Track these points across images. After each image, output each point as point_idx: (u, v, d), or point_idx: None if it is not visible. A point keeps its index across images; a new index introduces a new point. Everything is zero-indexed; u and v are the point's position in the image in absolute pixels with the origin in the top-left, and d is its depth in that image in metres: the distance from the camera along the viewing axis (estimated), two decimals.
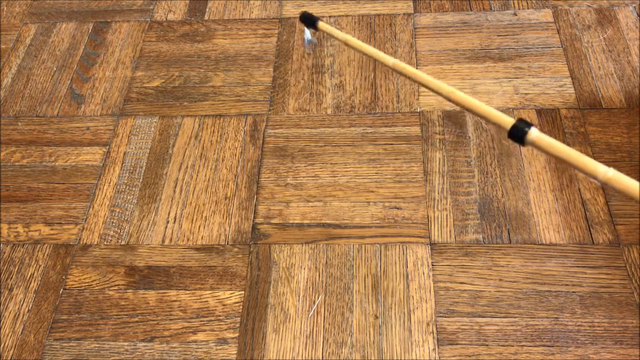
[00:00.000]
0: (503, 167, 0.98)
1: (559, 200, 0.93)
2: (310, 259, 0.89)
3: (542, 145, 0.36)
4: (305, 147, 1.03)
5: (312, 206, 0.95)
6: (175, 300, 0.87)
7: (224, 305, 0.86)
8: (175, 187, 1.00)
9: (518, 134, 0.38)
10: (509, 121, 0.39)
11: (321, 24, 0.53)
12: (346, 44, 0.52)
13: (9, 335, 0.86)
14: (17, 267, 0.92)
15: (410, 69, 0.43)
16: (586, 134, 1.01)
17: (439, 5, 1.23)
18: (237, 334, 0.83)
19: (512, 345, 0.80)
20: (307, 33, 0.58)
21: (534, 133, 0.37)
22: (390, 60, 0.45)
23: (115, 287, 0.89)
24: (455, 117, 1.05)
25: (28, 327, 0.86)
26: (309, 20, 0.54)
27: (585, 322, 0.82)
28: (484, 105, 0.42)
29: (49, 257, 0.93)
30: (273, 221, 0.94)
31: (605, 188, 0.94)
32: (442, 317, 0.83)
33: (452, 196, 0.95)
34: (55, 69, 1.20)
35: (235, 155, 1.03)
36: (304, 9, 1.25)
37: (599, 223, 0.90)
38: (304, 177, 0.99)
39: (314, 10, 1.25)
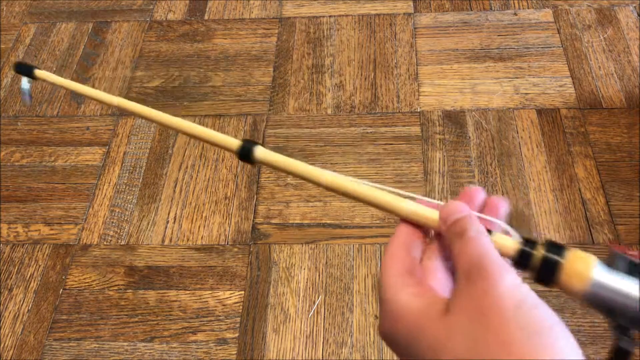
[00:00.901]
0: (503, 167, 0.98)
1: (559, 200, 0.93)
2: (310, 259, 0.89)
3: (269, 161, 0.36)
4: (305, 147, 1.03)
5: (312, 206, 0.95)
6: (175, 301, 0.87)
7: (223, 305, 0.86)
8: (175, 187, 0.99)
9: (245, 153, 0.37)
10: (235, 143, 0.38)
11: (39, 72, 0.46)
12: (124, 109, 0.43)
13: (9, 335, 0.86)
14: (16, 267, 0.92)
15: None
16: (586, 134, 1.01)
17: (439, 5, 1.23)
18: (237, 334, 0.83)
19: None
20: (24, 82, 0.50)
21: (259, 151, 0.37)
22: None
23: (115, 287, 0.89)
24: (456, 117, 1.05)
25: (28, 327, 0.86)
26: (25, 69, 0.46)
27: (585, 322, 0.82)
28: (208, 131, 0.39)
29: (49, 257, 0.93)
30: (273, 221, 0.94)
31: (606, 188, 0.94)
32: None
33: (452, 196, 0.95)
34: (55, 68, 1.19)
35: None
36: (303, 9, 1.25)
37: (599, 223, 0.90)
38: None
39: (314, 10, 1.25)
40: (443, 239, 0.28)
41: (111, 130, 1.08)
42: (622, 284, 0.25)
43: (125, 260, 0.91)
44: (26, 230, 0.96)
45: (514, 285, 0.23)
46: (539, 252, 0.26)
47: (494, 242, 0.27)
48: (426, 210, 0.30)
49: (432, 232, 0.29)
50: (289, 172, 0.35)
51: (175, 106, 1.11)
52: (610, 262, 0.26)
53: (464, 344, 0.22)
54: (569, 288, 0.26)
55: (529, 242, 0.27)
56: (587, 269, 0.25)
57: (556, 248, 0.26)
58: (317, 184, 0.33)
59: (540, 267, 0.26)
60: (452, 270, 0.27)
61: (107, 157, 1.04)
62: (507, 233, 0.28)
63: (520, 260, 0.27)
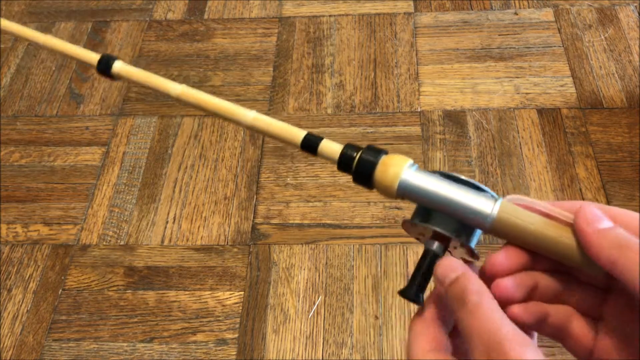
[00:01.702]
0: (504, 167, 0.98)
1: (560, 200, 0.93)
2: (310, 260, 0.89)
3: (127, 76, 0.35)
4: None
5: (312, 206, 0.95)
6: (175, 301, 0.87)
7: (223, 305, 0.86)
8: (175, 187, 0.99)
9: (103, 68, 0.36)
10: (95, 57, 0.37)
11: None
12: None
13: (8, 335, 0.85)
14: (16, 268, 0.92)
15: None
16: (587, 134, 1.00)
17: (440, 4, 1.23)
18: (236, 335, 0.83)
19: None
20: None
21: (117, 65, 0.36)
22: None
23: (115, 288, 0.89)
24: (456, 117, 1.04)
25: (27, 327, 0.86)
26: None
27: None
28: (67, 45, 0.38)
29: (48, 257, 0.93)
30: (273, 221, 0.94)
31: (607, 188, 0.94)
32: None
33: None
34: (54, 68, 1.19)
35: (235, 155, 1.03)
36: (303, 9, 1.25)
37: None
38: (304, 177, 0.99)
39: (314, 9, 1.24)
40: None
41: (110, 130, 1.08)
42: (430, 182, 0.27)
43: (125, 261, 0.91)
44: (25, 230, 0.96)
45: None
46: (357, 155, 0.29)
47: (323, 148, 0.30)
48: (292, 131, 0.30)
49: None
50: (145, 86, 0.35)
51: (175, 106, 1.11)
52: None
53: None
54: (380, 188, 0.28)
55: (352, 147, 0.30)
56: (397, 168, 0.28)
57: (374, 152, 0.29)
58: (169, 95, 0.34)
59: (356, 168, 0.29)
60: None
61: (106, 157, 1.04)
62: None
63: (342, 163, 0.29)
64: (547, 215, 0.26)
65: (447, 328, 0.27)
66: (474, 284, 0.24)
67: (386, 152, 0.29)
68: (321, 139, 0.31)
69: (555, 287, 0.26)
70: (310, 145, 0.31)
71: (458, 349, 0.26)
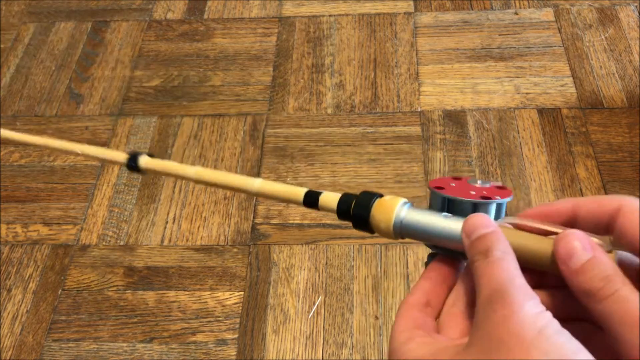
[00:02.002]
0: (504, 167, 0.97)
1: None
2: (310, 260, 0.89)
3: (155, 168, 0.38)
4: (305, 147, 1.02)
5: None
6: (175, 301, 0.86)
7: (223, 306, 0.86)
8: (175, 187, 0.99)
9: (132, 164, 0.38)
10: (122, 157, 0.39)
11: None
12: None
13: (8, 335, 0.85)
14: (15, 268, 0.92)
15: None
16: (587, 134, 1.00)
17: (440, 4, 1.22)
18: (236, 335, 0.83)
19: None
20: None
21: (142, 161, 0.38)
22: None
23: (114, 288, 0.88)
24: (457, 117, 1.04)
25: (27, 327, 0.86)
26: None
27: None
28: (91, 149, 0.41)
29: (48, 257, 0.92)
30: (273, 221, 0.93)
31: (607, 188, 0.94)
32: None
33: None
34: (54, 68, 1.19)
35: (235, 155, 1.02)
36: (303, 8, 1.25)
37: None
38: (304, 177, 0.98)
39: (314, 9, 1.24)
40: (465, 289, 0.27)
41: (110, 130, 1.08)
42: (423, 222, 0.28)
43: (125, 261, 0.91)
44: (25, 230, 0.96)
45: (535, 312, 0.22)
46: (353, 203, 0.30)
47: (322, 201, 0.31)
48: (289, 189, 0.32)
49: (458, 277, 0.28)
50: (172, 176, 0.38)
51: (175, 106, 1.11)
52: (431, 200, 0.30)
53: None
54: (379, 232, 0.29)
55: (348, 196, 0.31)
56: (389, 213, 0.28)
57: (366, 195, 0.30)
58: (188, 179, 0.36)
59: (353, 216, 0.30)
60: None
61: None
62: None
63: (341, 213, 0.31)
64: (541, 232, 0.26)
65: (433, 310, 0.27)
66: (503, 243, 0.25)
67: (380, 195, 0.30)
68: (320, 193, 0.32)
69: (567, 304, 0.26)
70: (310, 201, 0.32)
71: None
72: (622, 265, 0.24)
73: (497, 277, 0.23)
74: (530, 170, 0.96)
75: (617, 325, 0.22)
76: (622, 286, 0.22)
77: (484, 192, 0.29)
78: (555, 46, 1.13)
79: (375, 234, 0.30)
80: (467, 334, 0.25)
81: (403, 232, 0.29)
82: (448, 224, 0.27)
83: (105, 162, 0.40)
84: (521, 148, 0.99)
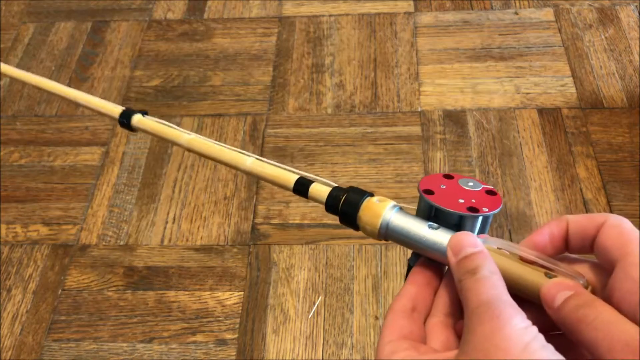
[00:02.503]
0: (504, 167, 0.97)
1: (561, 200, 0.93)
2: (310, 260, 0.89)
3: (147, 128, 0.38)
4: (305, 147, 1.02)
5: (312, 206, 0.94)
6: (174, 301, 0.86)
7: (223, 306, 0.86)
8: (174, 187, 0.99)
9: (123, 121, 0.39)
10: (116, 111, 0.40)
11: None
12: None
13: (8, 336, 0.85)
14: (15, 268, 0.92)
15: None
16: (588, 134, 1.00)
17: (440, 4, 1.22)
18: (236, 335, 0.83)
19: None
20: None
21: (136, 118, 0.38)
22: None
23: (114, 288, 0.88)
24: (457, 117, 1.04)
25: (26, 327, 0.86)
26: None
27: None
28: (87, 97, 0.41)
29: (48, 257, 0.92)
30: (273, 221, 0.93)
31: (608, 188, 0.94)
32: None
33: None
34: (53, 68, 1.19)
35: None
36: (303, 8, 1.25)
37: None
38: None
39: (314, 9, 1.24)
40: (449, 293, 0.27)
41: (110, 130, 1.08)
42: (409, 230, 0.28)
43: (124, 261, 0.91)
44: (25, 230, 0.96)
45: (522, 327, 0.22)
46: (342, 198, 0.30)
47: (312, 191, 0.31)
48: (283, 175, 0.31)
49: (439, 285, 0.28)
50: (163, 139, 0.38)
51: (175, 106, 1.11)
52: (419, 201, 0.29)
53: None
54: (364, 232, 0.29)
55: (338, 189, 0.30)
56: (376, 217, 0.28)
57: (356, 194, 0.30)
58: (180, 145, 0.36)
59: (341, 211, 0.30)
60: (458, 329, 0.26)
61: (106, 157, 1.04)
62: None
63: (329, 205, 0.30)
64: (523, 259, 0.27)
65: (419, 315, 0.27)
66: (490, 264, 0.25)
67: (371, 194, 0.30)
68: (311, 182, 0.32)
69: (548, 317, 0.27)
70: (301, 189, 0.32)
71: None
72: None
73: (485, 292, 0.24)
74: (531, 170, 0.96)
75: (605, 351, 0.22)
76: (603, 312, 0.23)
77: (473, 201, 0.29)
78: (555, 46, 1.13)
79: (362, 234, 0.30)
80: (448, 344, 0.26)
81: (388, 235, 0.29)
82: (433, 236, 0.28)
83: (98, 114, 0.40)
84: (521, 148, 0.99)
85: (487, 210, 0.28)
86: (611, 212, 0.91)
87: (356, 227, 0.30)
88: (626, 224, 0.26)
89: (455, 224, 0.28)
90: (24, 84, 1.17)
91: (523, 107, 1.04)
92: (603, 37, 1.14)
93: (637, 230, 0.25)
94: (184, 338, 0.83)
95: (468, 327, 0.23)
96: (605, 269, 0.26)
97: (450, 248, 0.26)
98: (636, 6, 1.18)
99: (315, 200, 0.31)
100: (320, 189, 0.31)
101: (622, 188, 0.93)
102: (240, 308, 0.85)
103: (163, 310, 0.86)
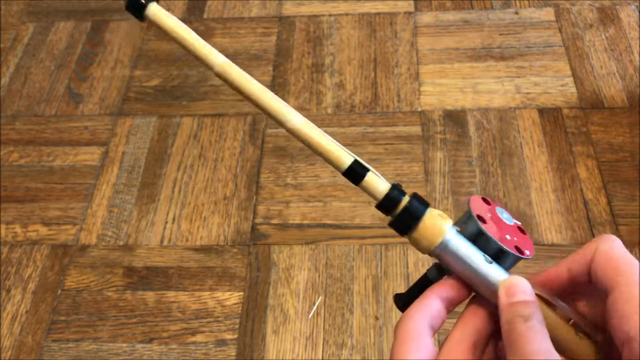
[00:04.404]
0: (505, 167, 0.97)
1: (561, 200, 0.92)
2: (310, 260, 0.89)
3: (160, 23, 0.31)
4: (305, 147, 1.02)
5: (312, 206, 0.94)
6: (174, 302, 0.86)
7: (223, 306, 0.85)
8: (174, 187, 0.99)
9: (134, 5, 0.30)
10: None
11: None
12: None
13: (7, 336, 0.85)
14: (14, 268, 0.91)
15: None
16: (588, 134, 1.00)
17: (440, 3, 1.22)
18: (236, 335, 0.83)
19: None
20: None
21: (152, 7, 0.31)
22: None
23: (114, 288, 0.88)
24: (457, 117, 1.04)
25: (26, 328, 0.86)
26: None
27: None
28: None
29: (47, 257, 0.92)
30: (273, 221, 0.93)
31: (608, 188, 0.93)
32: None
33: (453, 196, 0.94)
34: (53, 68, 1.19)
35: (235, 155, 1.02)
36: (303, 8, 1.24)
37: (601, 223, 0.90)
38: (304, 177, 0.98)
39: (314, 9, 1.24)
40: (479, 321, 0.27)
41: (109, 130, 1.08)
42: (465, 258, 0.27)
43: (124, 261, 0.91)
44: (24, 230, 0.96)
45: None
46: (403, 202, 0.28)
47: (368, 182, 0.28)
48: (340, 153, 0.29)
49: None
50: (179, 43, 0.31)
51: (174, 105, 1.10)
52: (465, 219, 0.28)
53: None
54: (417, 244, 0.28)
55: (398, 190, 0.28)
56: (436, 235, 0.27)
57: (420, 203, 0.28)
58: (208, 66, 0.29)
59: (398, 216, 0.28)
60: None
61: (105, 157, 1.04)
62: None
63: (384, 206, 0.28)
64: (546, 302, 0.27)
65: (432, 331, 0.27)
66: (540, 316, 0.25)
67: (429, 205, 0.29)
68: (368, 170, 0.29)
69: None
70: (353, 175, 0.29)
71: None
72: None
73: (538, 342, 0.24)
74: (531, 170, 0.96)
75: None
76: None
77: (515, 239, 0.28)
78: (555, 46, 1.13)
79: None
80: None
81: (439, 255, 0.28)
82: (488, 270, 0.27)
83: None
84: (522, 148, 0.99)
85: (528, 253, 0.28)
86: (612, 212, 0.91)
87: (406, 234, 0.28)
88: (615, 249, 0.26)
89: (493, 255, 0.28)
90: (23, 84, 1.17)
91: (523, 107, 1.04)
92: (603, 36, 1.14)
93: (627, 254, 0.25)
94: (184, 338, 0.83)
95: None
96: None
97: (505, 288, 0.26)
98: (637, 6, 1.18)
99: (368, 192, 0.29)
100: (378, 183, 0.29)
101: (623, 188, 0.93)
102: (240, 308, 0.85)
103: (163, 310, 0.86)
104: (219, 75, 0.29)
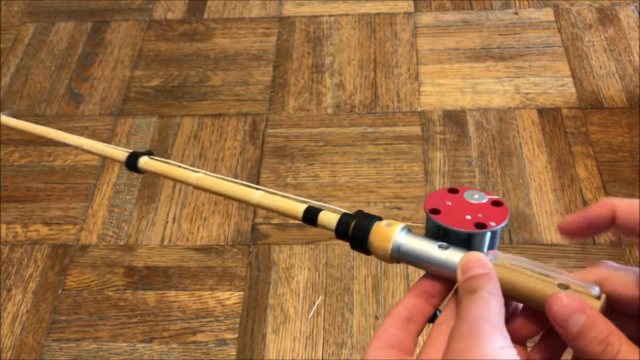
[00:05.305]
0: (504, 167, 0.97)
1: (560, 200, 0.93)
2: (310, 260, 0.89)
3: (155, 169, 0.39)
4: (305, 147, 1.02)
5: None
6: (175, 301, 0.86)
7: (223, 306, 0.86)
8: (174, 187, 0.99)
9: (131, 163, 0.39)
10: (122, 156, 0.40)
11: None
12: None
13: (8, 335, 0.85)
14: (15, 268, 0.92)
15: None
16: (587, 134, 1.00)
17: (440, 4, 1.22)
18: (236, 335, 0.83)
19: None
20: None
21: (142, 161, 0.39)
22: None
23: (114, 288, 0.88)
24: (457, 117, 1.04)
25: (27, 327, 0.86)
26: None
27: None
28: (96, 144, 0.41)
29: (48, 257, 0.92)
30: (273, 221, 0.93)
31: (607, 188, 0.94)
32: None
33: None
34: (53, 68, 1.19)
35: (235, 155, 1.02)
36: (303, 8, 1.25)
37: None
38: (303, 177, 0.98)
39: (314, 9, 1.24)
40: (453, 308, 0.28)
41: (110, 130, 1.08)
42: (420, 252, 0.29)
43: (124, 261, 0.91)
44: (25, 230, 0.96)
45: (497, 347, 0.23)
46: (352, 224, 0.30)
47: (322, 219, 0.31)
48: (291, 205, 0.32)
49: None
50: (172, 179, 0.38)
51: (175, 106, 1.11)
52: (427, 221, 0.30)
53: None
54: (378, 256, 0.30)
55: (347, 215, 0.31)
56: (387, 240, 0.29)
57: (365, 219, 0.30)
58: (188, 184, 0.36)
59: (351, 237, 0.30)
60: None
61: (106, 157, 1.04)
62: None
63: (339, 232, 0.31)
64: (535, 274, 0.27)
65: (415, 327, 0.28)
66: (492, 285, 0.26)
67: (380, 218, 0.30)
68: (319, 211, 0.32)
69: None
70: (310, 218, 0.32)
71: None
72: (611, 305, 0.25)
73: (474, 311, 0.24)
74: (530, 170, 0.96)
75: None
76: (621, 346, 0.23)
77: (480, 215, 0.29)
78: (555, 46, 1.13)
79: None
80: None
81: (400, 258, 0.29)
82: (443, 256, 0.28)
83: (105, 158, 0.41)
84: (521, 148, 0.99)
85: (494, 224, 0.28)
86: None
87: (368, 251, 0.30)
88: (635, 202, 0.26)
89: (465, 240, 0.29)
90: (23, 84, 1.17)
91: (523, 107, 1.05)
92: (603, 37, 1.14)
93: None
94: (184, 338, 0.83)
95: (448, 343, 0.24)
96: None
97: (461, 268, 0.27)
98: (636, 6, 1.18)
99: (325, 228, 0.32)
100: (329, 217, 0.31)
101: (622, 188, 0.93)
102: (240, 308, 0.85)
103: (163, 310, 0.86)
104: (197, 187, 0.36)
